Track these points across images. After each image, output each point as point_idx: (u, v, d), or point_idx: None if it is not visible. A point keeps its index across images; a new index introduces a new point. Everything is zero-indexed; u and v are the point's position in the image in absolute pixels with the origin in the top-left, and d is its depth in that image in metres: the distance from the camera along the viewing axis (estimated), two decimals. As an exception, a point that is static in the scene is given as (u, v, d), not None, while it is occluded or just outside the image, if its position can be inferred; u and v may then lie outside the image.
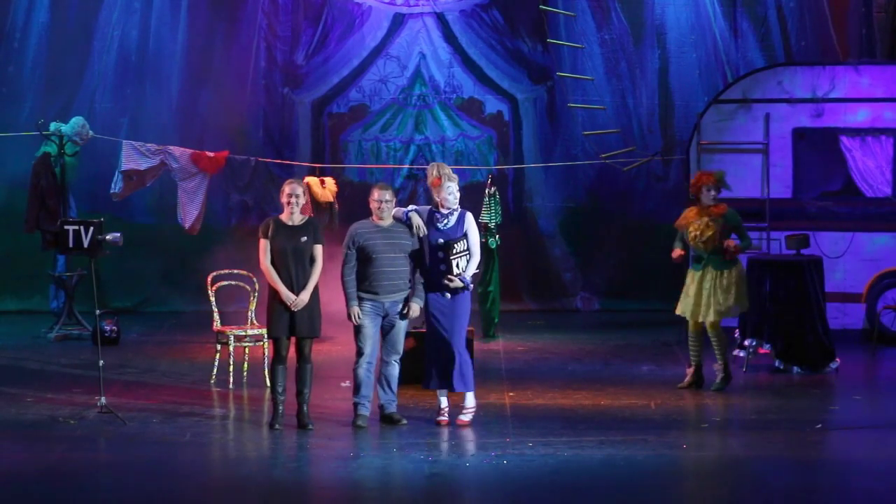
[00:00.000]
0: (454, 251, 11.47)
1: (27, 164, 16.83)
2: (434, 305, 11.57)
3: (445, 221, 11.56)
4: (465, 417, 11.63)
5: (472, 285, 11.66)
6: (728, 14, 18.77)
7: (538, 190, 19.06)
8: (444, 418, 11.63)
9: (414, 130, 19.22)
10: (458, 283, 11.48)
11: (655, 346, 15.90)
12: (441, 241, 11.51)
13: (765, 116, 16.12)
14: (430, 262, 11.57)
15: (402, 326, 11.64)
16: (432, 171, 11.67)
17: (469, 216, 11.68)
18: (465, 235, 11.56)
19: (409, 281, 11.60)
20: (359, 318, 11.47)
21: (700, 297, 12.98)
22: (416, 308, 11.60)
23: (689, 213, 13.21)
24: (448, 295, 11.52)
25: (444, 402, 11.69)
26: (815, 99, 16.07)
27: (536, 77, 19.16)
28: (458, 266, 11.48)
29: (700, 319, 13.04)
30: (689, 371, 13.28)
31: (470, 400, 11.69)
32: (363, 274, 11.50)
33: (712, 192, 13.08)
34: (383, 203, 11.58)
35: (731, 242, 12.97)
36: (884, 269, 15.95)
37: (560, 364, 14.79)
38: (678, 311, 13.24)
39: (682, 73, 18.89)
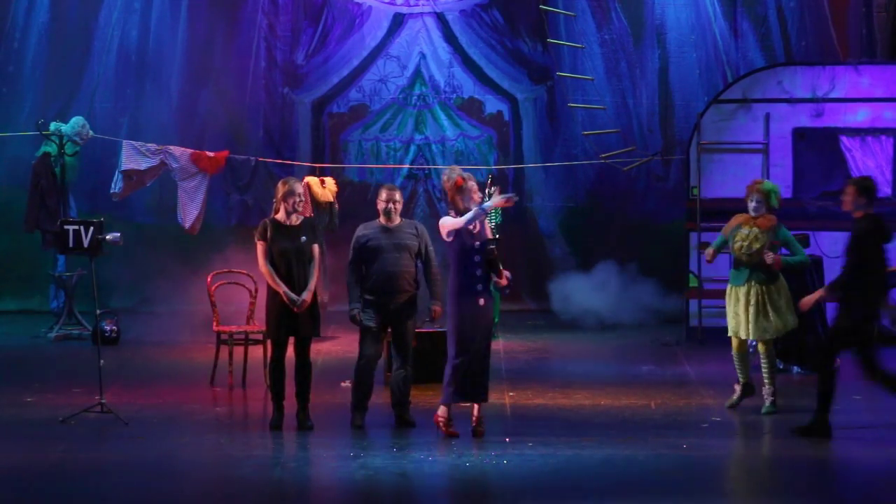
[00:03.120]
0: (494, 253, 11.24)
1: (27, 164, 16.84)
2: (468, 313, 11.09)
3: (473, 226, 11.17)
4: (482, 427, 11.28)
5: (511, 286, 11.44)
6: (728, 14, 18.77)
7: (538, 190, 19.06)
8: (454, 430, 11.28)
9: (414, 130, 19.22)
10: (504, 283, 11.26)
11: (655, 346, 15.90)
12: (477, 244, 11.12)
13: (765, 116, 16.12)
14: (466, 267, 11.10)
15: (409, 330, 11.55)
16: (451, 173, 11.27)
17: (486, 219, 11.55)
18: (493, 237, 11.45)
19: (416, 282, 11.55)
20: (359, 318, 11.43)
21: (748, 315, 12.11)
22: (437, 310, 11.50)
23: (737, 219, 12.41)
24: (482, 301, 11.18)
25: (445, 410, 11.27)
26: (815, 99, 16.08)
27: (536, 77, 19.16)
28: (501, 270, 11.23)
29: (751, 338, 12.19)
30: (738, 388, 12.38)
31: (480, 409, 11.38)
32: (369, 274, 11.45)
33: (753, 203, 12.27)
34: (392, 204, 11.53)
35: (771, 254, 12.13)
36: (884, 269, 15.93)
37: (560, 364, 14.79)
38: (730, 332, 12.28)
39: (682, 73, 18.89)
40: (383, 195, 11.59)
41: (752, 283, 12.12)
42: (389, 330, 11.57)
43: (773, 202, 12.24)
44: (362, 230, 11.57)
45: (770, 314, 12.10)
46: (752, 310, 12.10)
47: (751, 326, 12.08)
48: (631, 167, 17.65)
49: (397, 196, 11.59)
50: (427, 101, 19.25)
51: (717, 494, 9.77)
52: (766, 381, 12.21)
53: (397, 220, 11.55)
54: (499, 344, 15.77)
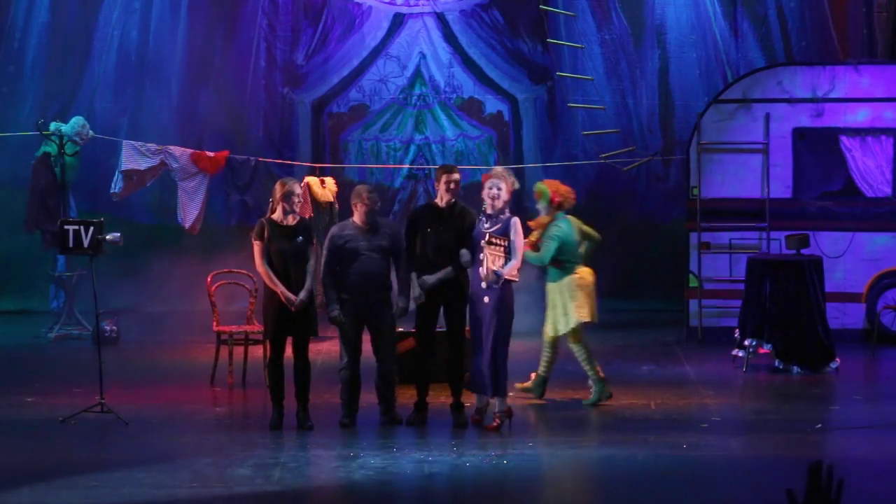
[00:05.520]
0: (492, 244, 11.33)
1: (27, 164, 16.83)
2: (472, 308, 11.51)
3: (489, 224, 11.48)
4: (495, 423, 11.51)
5: (502, 279, 11.31)
6: (728, 14, 18.77)
7: (538, 190, 19.05)
8: (478, 416, 11.61)
9: (414, 130, 19.22)
10: (492, 278, 11.34)
11: (655, 346, 15.90)
12: (483, 241, 11.41)
13: (765, 116, 16.12)
14: (475, 265, 11.47)
15: (388, 329, 11.60)
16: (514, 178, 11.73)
17: (515, 220, 11.51)
18: (507, 236, 11.45)
19: (390, 282, 11.60)
20: (340, 319, 11.47)
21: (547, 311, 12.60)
22: (403, 307, 11.58)
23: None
24: (486, 299, 11.38)
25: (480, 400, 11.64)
26: (815, 99, 16.07)
27: (536, 77, 19.16)
28: (493, 262, 11.34)
29: (550, 333, 12.60)
30: (533, 376, 12.85)
31: (498, 404, 11.55)
32: (346, 275, 11.49)
33: (538, 205, 12.59)
34: (375, 206, 11.59)
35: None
36: (884, 269, 15.95)
37: (560, 364, 14.76)
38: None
39: (682, 73, 18.89)
40: (366, 198, 11.58)
41: (547, 282, 12.58)
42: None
43: (542, 203, 12.55)
44: (338, 231, 11.62)
45: (559, 309, 12.45)
46: (549, 306, 12.54)
47: (548, 324, 12.59)
48: (631, 167, 17.65)
49: (375, 198, 11.69)
50: (427, 101, 19.25)
51: (717, 494, 9.77)
52: (585, 370, 12.59)
53: (373, 220, 11.60)
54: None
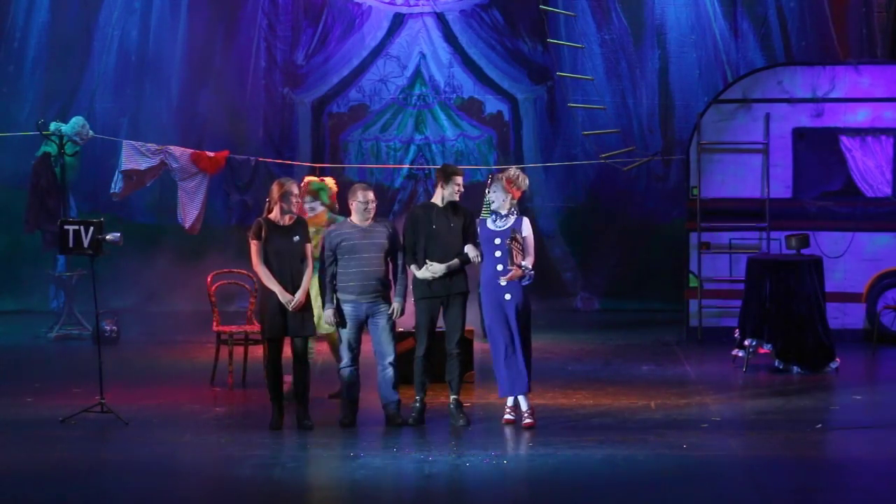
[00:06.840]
0: (516, 241, 11.36)
1: (27, 164, 16.84)
2: (493, 307, 11.48)
3: (499, 223, 11.52)
4: (530, 419, 11.53)
5: (532, 274, 11.44)
6: (728, 14, 18.79)
7: (538, 190, 19.07)
8: (511, 417, 11.56)
9: (414, 130, 19.23)
10: (518, 273, 11.34)
11: (655, 346, 15.91)
12: (498, 240, 11.42)
13: (765, 116, 16.12)
14: (486, 263, 11.48)
15: (386, 329, 11.59)
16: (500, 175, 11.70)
17: (526, 221, 11.58)
18: (519, 233, 11.48)
19: (389, 281, 11.59)
20: (333, 319, 11.48)
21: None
22: (397, 307, 11.58)
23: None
24: (508, 297, 11.45)
25: (510, 400, 11.60)
26: (815, 99, 16.08)
27: (536, 77, 19.17)
28: (517, 258, 11.36)
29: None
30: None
31: (526, 401, 11.61)
32: (343, 274, 11.50)
33: (312, 202, 12.72)
34: (371, 204, 11.61)
35: None
36: (884, 269, 15.96)
37: (560, 364, 14.78)
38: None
39: (682, 73, 18.90)
40: (360, 195, 11.61)
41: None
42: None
43: (319, 201, 12.71)
44: (336, 229, 11.64)
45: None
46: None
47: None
48: (631, 167, 17.66)
49: (372, 196, 11.66)
50: (427, 101, 19.26)
51: (717, 494, 9.77)
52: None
53: (371, 219, 11.61)
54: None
